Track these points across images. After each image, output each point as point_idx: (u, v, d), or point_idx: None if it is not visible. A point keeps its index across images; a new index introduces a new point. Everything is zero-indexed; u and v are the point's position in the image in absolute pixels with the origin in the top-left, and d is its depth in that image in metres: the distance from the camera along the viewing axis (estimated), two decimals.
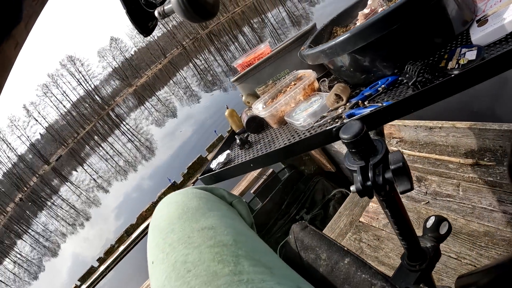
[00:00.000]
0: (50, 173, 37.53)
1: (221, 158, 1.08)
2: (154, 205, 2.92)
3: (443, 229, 0.80)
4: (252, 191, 2.33)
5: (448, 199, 1.34)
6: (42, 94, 57.31)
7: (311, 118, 0.84)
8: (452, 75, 0.54)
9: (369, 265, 0.58)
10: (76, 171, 23.94)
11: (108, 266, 2.80)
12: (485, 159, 1.33)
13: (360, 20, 0.91)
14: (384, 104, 0.63)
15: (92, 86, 60.85)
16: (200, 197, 0.65)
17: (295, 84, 1.04)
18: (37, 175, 45.40)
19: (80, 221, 12.36)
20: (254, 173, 2.29)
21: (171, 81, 28.22)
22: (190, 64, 29.50)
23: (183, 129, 11.37)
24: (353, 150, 0.54)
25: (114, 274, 5.27)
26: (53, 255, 11.81)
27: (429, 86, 0.56)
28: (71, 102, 59.21)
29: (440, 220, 0.81)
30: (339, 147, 2.28)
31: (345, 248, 0.67)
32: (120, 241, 2.90)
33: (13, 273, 15.89)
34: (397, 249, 1.34)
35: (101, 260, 2.90)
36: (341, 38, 0.70)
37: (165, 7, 0.49)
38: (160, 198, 2.95)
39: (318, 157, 2.53)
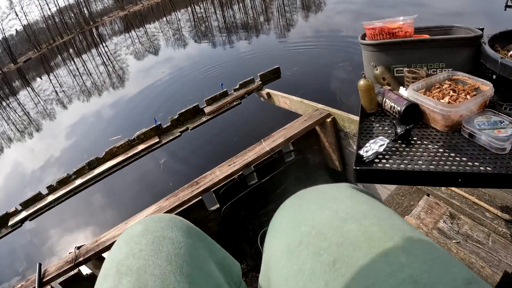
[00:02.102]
0: (14, 73, 34.48)
1: (376, 146, 0.82)
2: (129, 143, 2.46)
3: None
4: (252, 165, 2.04)
5: (478, 245, 1.32)
6: None
7: (506, 143, 0.74)
8: None
9: None
10: (41, 78, 22.08)
11: (58, 198, 2.27)
12: None
13: None
14: None
15: None
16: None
17: (449, 84, 0.95)
18: (0, 72, 41.99)
19: (30, 130, 11.50)
20: (266, 147, 1.99)
21: (164, 19, 26.63)
22: (189, 8, 28.03)
23: (163, 70, 10.69)
24: None
25: (63, 209, 4.75)
26: None
27: None
28: (58, 7, 54.10)
29: None
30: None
31: None
32: (79, 173, 2.37)
33: None
34: None
35: (51, 189, 2.36)
36: None
37: None
38: (138, 138, 2.50)
39: (330, 152, 2.31)
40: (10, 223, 2.24)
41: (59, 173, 6.64)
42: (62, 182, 2.31)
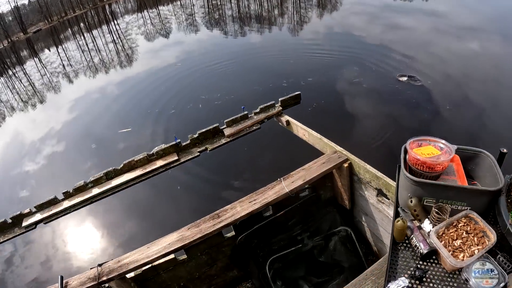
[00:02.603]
0: (23, 43, 34.06)
1: None
2: (148, 157, 2.47)
3: None
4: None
5: None
6: None
7: None
8: None
9: None
10: (49, 50, 21.88)
11: (74, 205, 2.25)
12: None
13: None
14: None
15: None
16: None
17: (464, 222, 1.19)
18: (9, 40, 41.38)
19: (34, 101, 11.44)
20: (285, 187, 2.06)
21: (178, 2, 26.26)
22: None
23: (176, 63, 10.63)
24: None
25: (80, 216, 4.43)
26: None
27: None
28: None
29: None
30: (368, 195, 2.26)
31: None
32: (96, 182, 2.37)
33: None
34: None
35: (67, 195, 2.36)
36: None
37: None
38: (157, 154, 2.52)
39: (342, 191, 2.42)
40: (24, 224, 2.24)
41: (58, 145, 6.67)
42: (79, 190, 2.32)
